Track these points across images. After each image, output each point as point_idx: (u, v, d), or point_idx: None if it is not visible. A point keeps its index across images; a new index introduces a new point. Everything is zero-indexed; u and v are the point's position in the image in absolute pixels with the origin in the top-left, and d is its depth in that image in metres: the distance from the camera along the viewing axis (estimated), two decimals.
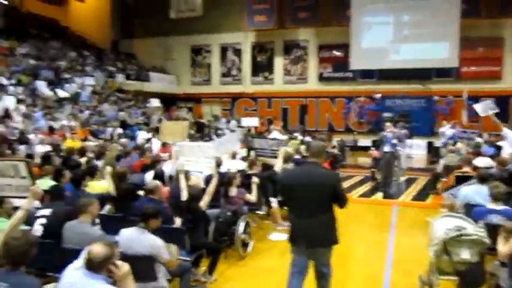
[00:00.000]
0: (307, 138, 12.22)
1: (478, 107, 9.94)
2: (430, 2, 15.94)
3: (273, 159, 7.73)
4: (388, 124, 11.21)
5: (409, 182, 11.33)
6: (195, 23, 18.45)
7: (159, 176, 6.18)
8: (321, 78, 18.22)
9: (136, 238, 3.67)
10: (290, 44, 18.73)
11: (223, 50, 19.84)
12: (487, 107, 9.56)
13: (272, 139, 8.95)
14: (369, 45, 16.85)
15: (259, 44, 19.23)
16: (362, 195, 9.80)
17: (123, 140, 10.93)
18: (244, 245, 5.83)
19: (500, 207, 4.65)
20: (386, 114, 15.64)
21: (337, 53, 17.86)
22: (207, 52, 20.17)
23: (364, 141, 15.79)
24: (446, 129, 12.35)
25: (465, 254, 3.89)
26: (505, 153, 7.82)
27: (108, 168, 5.71)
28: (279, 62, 18.97)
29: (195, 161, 6.34)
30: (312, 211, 3.87)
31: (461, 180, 6.39)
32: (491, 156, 7.68)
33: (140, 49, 21.08)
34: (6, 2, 17.40)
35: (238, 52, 19.59)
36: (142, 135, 12.21)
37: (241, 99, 19.32)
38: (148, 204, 4.26)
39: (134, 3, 20.94)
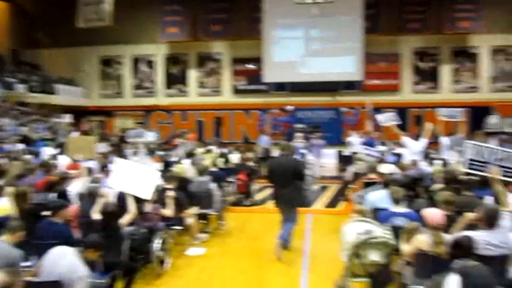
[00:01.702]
0: (224, 150, 12.23)
1: (380, 117, 10.92)
2: (337, 19, 16.87)
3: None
4: (298, 135, 11.64)
5: (322, 190, 11.81)
6: (106, 33, 17.73)
7: (62, 195, 5.81)
8: (236, 90, 18.44)
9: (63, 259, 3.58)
10: (204, 57, 18.74)
11: (136, 61, 19.31)
12: (388, 118, 10.48)
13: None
14: (281, 58, 17.39)
15: (172, 56, 19.00)
16: None
17: (27, 157, 10.11)
18: (161, 262, 5.66)
19: (402, 210, 5.01)
20: (298, 126, 16.19)
21: (250, 66, 18.21)
22: (118, 64, 19.49)
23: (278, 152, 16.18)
24: (354, 139, 13.08)
25: (374, 256, 4.12)
26: (405, 160, 8.50)
27: (9, 189, 5.25)
28: (193, 75, 18.88)
29: (134, 182, 5.76)
30: (285, 184, 6.27)
31: (369, 186, 6.81)
32: (394, 163, 8.27)
33: (46, 60, 19.76)
34: None
35: (151, 64, 19.18)
36: (48, 151, 11.39)
37: (155, 112, 18.89)
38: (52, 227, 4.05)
39: (37, 11, 19.63)
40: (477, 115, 15.46)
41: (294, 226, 6.45)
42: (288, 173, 6.29)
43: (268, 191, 11.44)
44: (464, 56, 16.98)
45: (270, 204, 10.09)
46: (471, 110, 14.89)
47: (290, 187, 6.27)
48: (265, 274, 5.77)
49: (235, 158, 11.39)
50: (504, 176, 4.95)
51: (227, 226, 7.99)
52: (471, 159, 5.11)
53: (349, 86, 17.06)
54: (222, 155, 11.01)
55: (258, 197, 10.85)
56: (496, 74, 16.86)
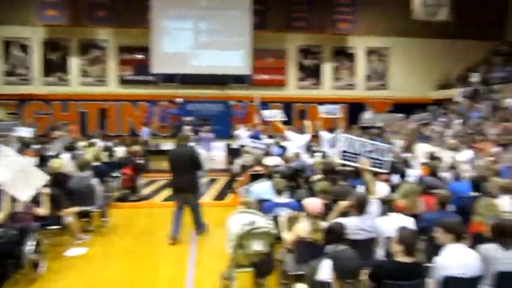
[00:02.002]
0: (109, 144, 11.64)
1: (266, 113, 11.39)
2: (225, 12, 17.00)
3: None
4: (187, 127, 11.54)
5: (211, 182, 11.88)
6: None
7: None
8: (122, 81, 17.64)
9: None
10: (87, 43, 17.58)
11: (7, 44, 17.42)
12: (274, 114, 10.99)
13: None
14: (170, 49, 17.02)
15: (51, 41, 17.49)
16: (166, 200, 9.83)
17: None
18: (36, 266, 5.22)
19: (285, 200, 5.25)
20: (187, 118, 16.04)
21: (138, 56, 17.54)
22: None
23: (167, 145, 15.84)
24: (242, 132, 13.36)
25: (257, 246, 4.25)
26: (289, 153, 8.91)
27: None
28: (74, 62, 17.60)
29: (15, 180, 5.12)
30: (183, 172, 6.60)
31: (255, 178, 7.03)
32: (279, 155, 8.62)
33: None
34: None
35: (25, 48, 17.46)
36: None
37: (31, 102, 17.27)
38: None
39: None
40: (354, 110, 16.80)
41: (200, 212, 6.95)
42: (184, 162, 6.63)
43: (155, 186, 11.25)
44: (343, 55, 18.29)
45: (158, 199, 9.97)
46: (349, 106, 16.11)
47: (188, 176, 6.63)
48: (151, 271, 5.65)
49: (120, 151, 10.93)
50: (373, 166, 5.43)
51: (111, 223, 7.65)
52: (344, 151, 5.51)
53: (238, 80, 17.33)
54: (106, 149, 10.48)
55: (145, 191, 10.56)
56: (370, 73, 18.47)
